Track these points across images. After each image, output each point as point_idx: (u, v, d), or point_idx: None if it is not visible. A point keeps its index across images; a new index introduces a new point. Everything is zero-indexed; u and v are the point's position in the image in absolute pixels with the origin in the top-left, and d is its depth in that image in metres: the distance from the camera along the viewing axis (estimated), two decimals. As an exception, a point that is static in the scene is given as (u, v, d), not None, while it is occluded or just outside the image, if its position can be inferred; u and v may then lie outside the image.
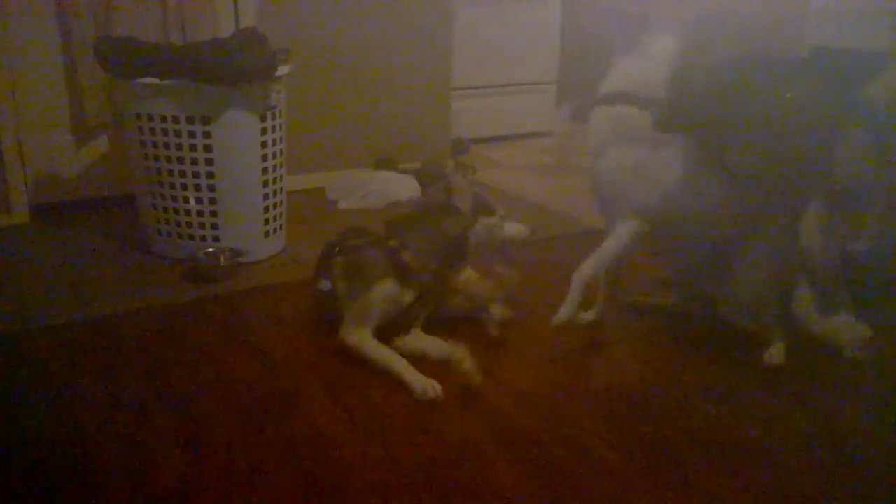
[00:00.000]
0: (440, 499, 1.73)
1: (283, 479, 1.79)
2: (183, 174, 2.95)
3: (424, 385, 2.09)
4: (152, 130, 2.92)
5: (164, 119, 2.89)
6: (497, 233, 2.46)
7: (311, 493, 1.75)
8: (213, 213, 3.00)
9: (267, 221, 3.12)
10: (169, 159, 2.94)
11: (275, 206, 3.15)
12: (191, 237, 3.03)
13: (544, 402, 2.11)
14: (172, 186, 2.98)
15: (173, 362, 2.30)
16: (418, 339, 2.31)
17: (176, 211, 3.02)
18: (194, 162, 2.93)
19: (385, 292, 2.28)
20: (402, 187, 3.83)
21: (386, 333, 2.30)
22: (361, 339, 2.25)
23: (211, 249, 2.98)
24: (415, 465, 1.84)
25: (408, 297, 2.32)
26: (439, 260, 2.35)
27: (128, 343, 2.41)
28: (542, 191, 4.06)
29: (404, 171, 4.00)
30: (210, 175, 2.95)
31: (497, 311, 2.51)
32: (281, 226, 3.22)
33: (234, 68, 2.81)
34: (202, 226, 3.02)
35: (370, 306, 2.27)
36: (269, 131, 3.02)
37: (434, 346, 2.26)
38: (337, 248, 2.39)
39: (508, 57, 5.07)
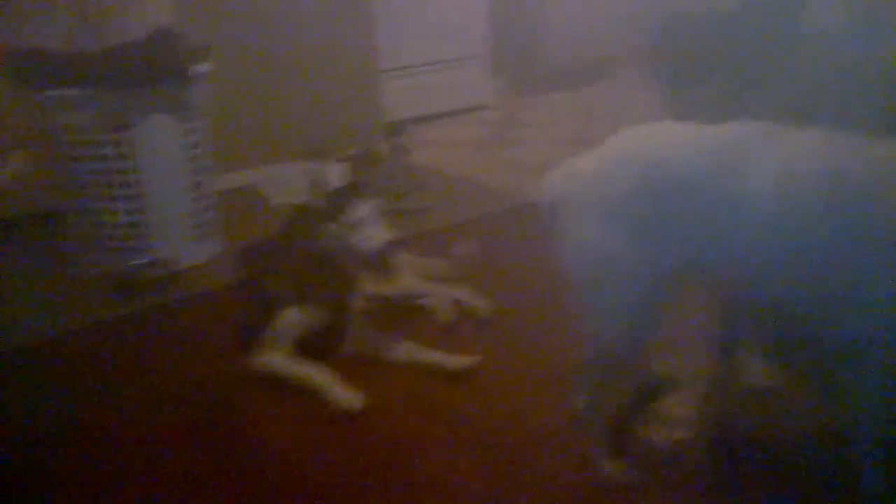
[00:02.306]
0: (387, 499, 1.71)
1: (226, 491, 1.76)
2: (107, 185, 2.84)
3: (346, 398, 2.02)
4: (70, 143, 2.81)
5: (80, 130, 2.78)
6: (350, 241, 2.14)
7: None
8: (142, 223, 2.90)
9: (198, 226, 3.04)
10: (90, 171, 2.83)
11: (205, 209, 3.06)
12: (121, 249, 2.92)
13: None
14: (96, 198, 2.87)
15: (104, 380, 2.24)
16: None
17: (102, 224, 2.91)
18: (117, 171, 2.82)
19: (291, 317, 2.20)
20: (334, 177, 3.74)
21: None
22: (275, 357, 2.17)
23: (143, 260, 2.88)
24: (361, 466, 1.82)
25: (318, 316, 2.23)
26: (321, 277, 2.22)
27: (54, 366, 2.33)
28: (481, 166, 4.01)
29: (339, 160, 3.91)
30: (135, 183, 2.85)
31: (442, 296, 2.47)
32: (214, 229, 3.13)
33: (146, 71, 2.71)
34: (131, 237, 2.91)
35: (279, 330, 2.20)
36: (193, 132, 2.93)
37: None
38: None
39: (436, 33, 4.99)
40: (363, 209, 2.14)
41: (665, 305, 1.62)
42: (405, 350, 2.22)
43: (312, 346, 2.22)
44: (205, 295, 2.73)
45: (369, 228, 2.12)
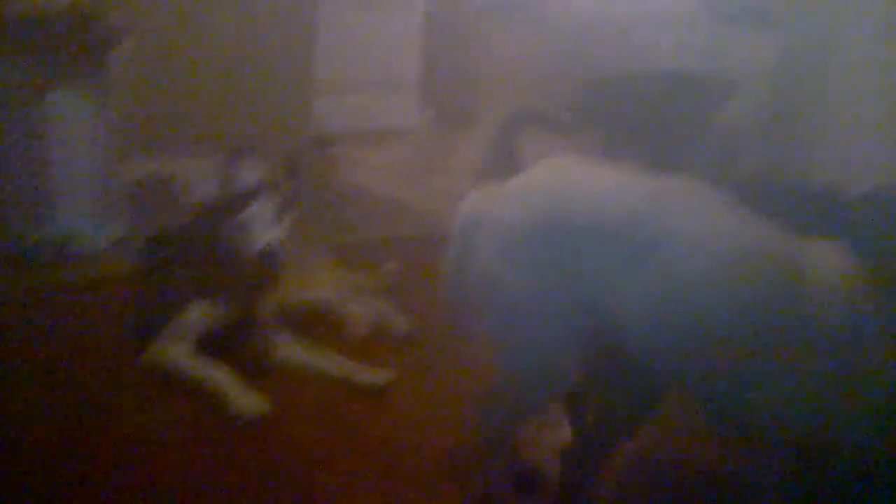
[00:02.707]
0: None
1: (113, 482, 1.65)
2: (12, 152, 2.70)
3: (246, 401, 1.91)
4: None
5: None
6: (238, 238, 2.08)
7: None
8: (44, 197, 2.76)
9: (103, 208, 2.90)
10: (-4, 135, 2.66)
11: (112, 191, 2.94)
12: (21, 220, 2.75)
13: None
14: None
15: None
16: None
17: (2, 191, 2.73)
18: (25, 137, 2.69)
19: (196, 313, 2.11)
20: (246, 175, 3.64)
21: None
22: (175, 353, 2.06)
23: (41, 235, 2.73)
24: (259, 471, 1.73)
25: (223, 314, 2.14)
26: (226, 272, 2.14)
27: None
28: (405, 190, 3.97)
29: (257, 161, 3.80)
30: (40, 155, 2.72)
31: (356, 310, 2.40)
32: (119, 214, 2.98)
33: (63, 41, 2.61)
34: (32, 209, 2.75)
35: (183, 325, 2.10)
36: (106, 111, 2.80)
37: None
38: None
39: (372, 54, 4.97)
40: (260, 208, 2.07)
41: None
42: (317, 359, 2.13)
43: (215, 346, 2.11)
44: (101, 280, 2.58)
45: (261, 228, 2.05)
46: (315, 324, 2.37)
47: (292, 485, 1.71)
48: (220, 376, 1.99)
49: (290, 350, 2.18)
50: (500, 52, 4.97)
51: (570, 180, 1.51)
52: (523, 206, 1.49)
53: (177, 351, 2.05)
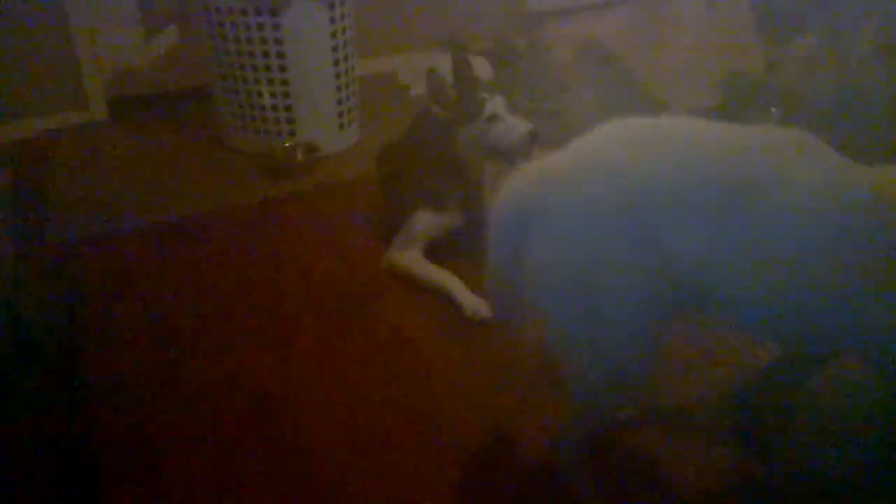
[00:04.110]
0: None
1: (367, 379, 1.83)
2: (255, 67, 2.89)
3: (476, 306, 2.01)
4: (220, 23, 2.85)
5: (230, 11, 2.80)
6: (491, 136, 2.12)
7: (395, 393, 1.78)
8: (288, 107, 2.95)
9: (341, 114, 3.06)
10: (239, 52, 2.88)
11: (348, 97, 3.08)
12: (266, 132, 3.00)
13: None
14: (245, 80, 2.93)
15: (255, 263, 2.32)
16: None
17: (250, 105, 2.98)
18: (265, 55, 2.86)
19: (424, 220, 2.21)
20: (472, 68, 3.68)
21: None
22: (408, 257, 2.19)
23: (287, 144, 2.95)
24: (490, 367, 1.85)
25: (450, 221, 2.24)
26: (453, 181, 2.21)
27: (211, 245, 2.42)
28: (628, 67, 3.82)
29: (476, 52, 3.83)
30: (282, 68, 2.88)
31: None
32: (355, 117, 3.16)
33: None
34: (277, 120, 2.98)
35: (412, 232, 2.22)
36: (339, 18, 2.92)
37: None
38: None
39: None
40: (497, 103, 2.13)
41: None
42: None
43: (444, 251, 2.23)
44: (343, 185, 2.77)
45: (508, 120, 2.11)
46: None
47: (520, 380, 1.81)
48: (451, 281, 2.11)
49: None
50: None
51: (642, 146, 1.32)
52: (596, 187, 1.30)
53: (409, 255, 2.19)
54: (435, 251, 2.24)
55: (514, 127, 2.11)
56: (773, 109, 2.73)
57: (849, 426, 1.67)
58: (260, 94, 2.94)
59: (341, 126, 3.08)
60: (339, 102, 3.04)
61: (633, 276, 1.28)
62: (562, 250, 1.30)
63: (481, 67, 3.68)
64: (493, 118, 2.12)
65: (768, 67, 3.00)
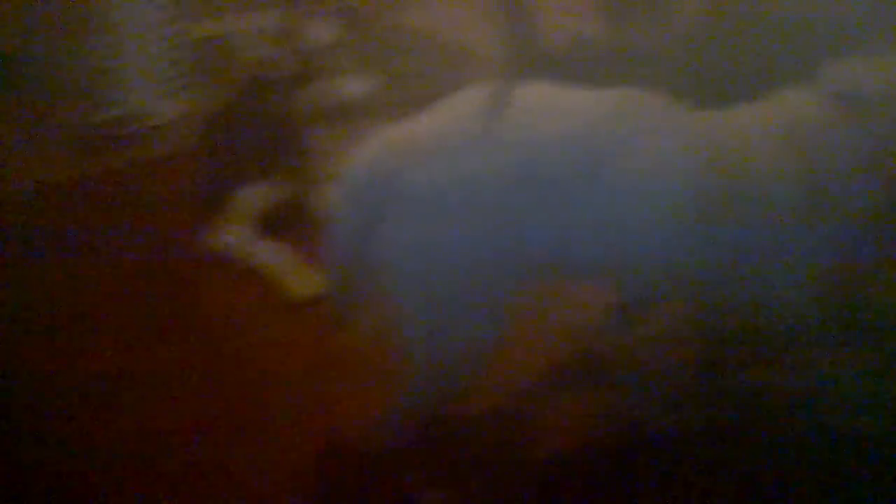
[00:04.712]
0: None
1: (189, 367, 1.75)
2: (78, 26, 2.68)
3: (305, 281, 1.93)
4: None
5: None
6: (329, 97, 2.11)
7: (219, 381, 1.71)
8: (114, 71, 2.74)
9: (171, 79, 2.88)
10: (59, 9, 2.68)
11: (180, 60, 2.90)
12: (90, 100, 2.76)
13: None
14: (65, 40, 2.71)
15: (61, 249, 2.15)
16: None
17: (71, 68, 2.74)
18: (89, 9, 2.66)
19: (252, 194, 2.12)
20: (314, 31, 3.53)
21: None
22: (234, 234, 2.09)
23: (113, 113, 2.74)
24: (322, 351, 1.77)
25: (282, 191, 2.15)
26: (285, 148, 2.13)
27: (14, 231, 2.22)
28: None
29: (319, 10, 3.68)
30: (109, 25, 2.68)
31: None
32: (186, 84, 2.95)
33: None
34: (102, 85, 2.75)
35: (239, 207, 2.12)
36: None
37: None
38: None
39: None
40: (338, 62, 2.11)
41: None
42: None
43: (276, 222, 2.14)
44: (170, 158, 2.60)
45: (348, 80, 2.07)
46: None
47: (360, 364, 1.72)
48: (278, 257, 2.02)
49: None
50: None
51: (517, 117, 1.26)
52: (457, 157, 1.22)
53: (234, 232, 2.09)
54: (270, 226, 2.13)
55: (355, 86, 2.05)
56: None
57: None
58: (83, 54, 2.71)
59: (170, 93, 2.89)
60: (170, 67, 2.86)
61: (495, 254, 1.24)
62: (430, 230, 1.21)
63: (322, 25, 3.53)
64: (333, 77, 2.06)
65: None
